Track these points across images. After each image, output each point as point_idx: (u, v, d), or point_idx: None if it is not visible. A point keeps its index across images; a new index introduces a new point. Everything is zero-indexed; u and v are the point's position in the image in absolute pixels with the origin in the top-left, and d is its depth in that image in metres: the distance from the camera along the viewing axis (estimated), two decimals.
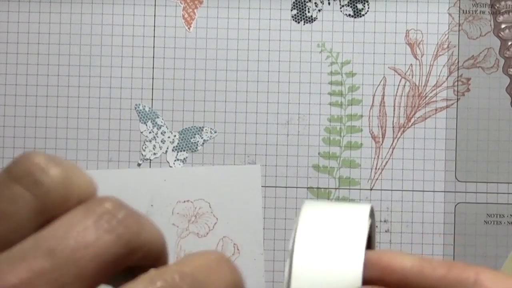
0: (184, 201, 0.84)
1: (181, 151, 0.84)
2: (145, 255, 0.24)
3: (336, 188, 0.84)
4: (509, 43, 0.84)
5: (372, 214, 0.30)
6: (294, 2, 0.85)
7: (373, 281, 0.28)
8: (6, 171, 0.23)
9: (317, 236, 0.28)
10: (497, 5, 0.84)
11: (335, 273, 0.27)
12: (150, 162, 0.84)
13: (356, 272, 0.27)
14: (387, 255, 0.29)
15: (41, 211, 0.23)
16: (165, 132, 0.85)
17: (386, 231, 0.84)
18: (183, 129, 0.85)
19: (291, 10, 0.85)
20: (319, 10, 0.85)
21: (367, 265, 0.28)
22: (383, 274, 0.28)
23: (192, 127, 0.85)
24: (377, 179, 0.84)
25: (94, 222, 0.23)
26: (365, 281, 0.28)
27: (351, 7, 0.85)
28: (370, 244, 0.31)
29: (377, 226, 0.82)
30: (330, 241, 0.28)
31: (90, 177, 0.24)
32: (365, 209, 0.29)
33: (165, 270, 0.23)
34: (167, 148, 0.84)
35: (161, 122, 0.85)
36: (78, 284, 0.22)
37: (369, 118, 0.84)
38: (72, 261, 0.22)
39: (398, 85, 0.84)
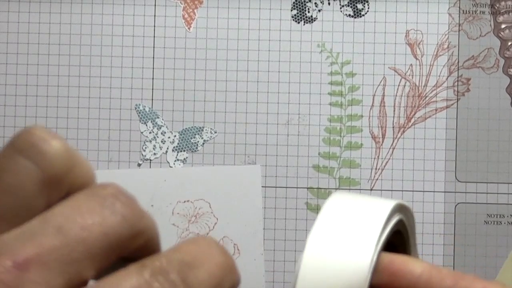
0: (184, 201, 0.84)
1: (181, 151, 0.84)
2: (145, 243, 0.24)
3: (336, 188, 0.84)
4: (509, 43, 0.84)
5: (403, 210, 0.30)
6: (294, 2, 0.85)
7: (381, 286, 0.28)
8: (9, 145, 0.23)
9: (332, 232, 0.28)
10: (497, 5, 0.84)
11: (341, 274, 0.27)
12: (150, 162, 0.84)
13: (362, 275, 0.27)
14: (399, 260, 0.29)
15: (46, 182, 0.23)
16: (165, 132, 0.85)
17: None
18: (183, 129, 0.85)
19: (291, 10, 0.85)
20: (319, 10, 0.85)
21: (379, 269, 0.28)
22: (391, 279, 0.28)
23: (192, 127, 0.85)
24: (377, 179, 0.84)
25: (99, 204, 0.23)
26: (373, 286, 0.28)
27: (351, 7, 0.85)
28: (402, 241, 0.30)
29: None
30: (342, 240, 0.28)
31: (88, 162, 0.25)
32: (387, 206, 0.29)
33: (155, 256, 0.23)
34: (167, 148, 0.84)
35: (161, 122, 0.85)
36: (86, 262, 0.22)
37: (369, 118, 0.84)
38: (81, 239, 0.22)
39: (398, 85, 0.84)
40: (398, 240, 0.31)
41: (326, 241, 0.28)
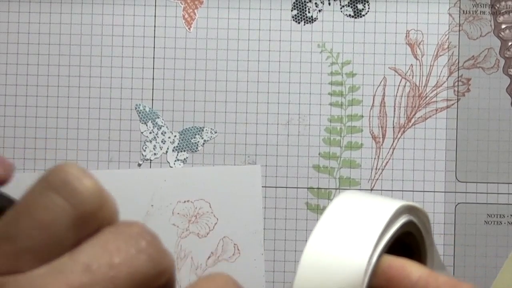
0: (185, 201, 0.84)
1: (181, 151, 0.84)
2: (167, 280, 0.24)
3: (336, 189, 0.84)
4: (510, 43, 0.84)
5: (413, 212, 0.30)
6: (294, 3, 0.85)
7: None
8: (42, 181, 0.24)
9: (332, 233, 0.28)
10: (498, 5, 0.84)
11: (339, 276, 0.27)
12: (150, 162, 0.84)
13: (358, 278, 0.27)
14: (397, 264, 0.28)
15: (78, 220, 0.23)
16: (165, 133, 0.85)
17: None
18: (183, 129, 0.85)
19: (292, 11, 0.85)
20: (319, 11, 0.85)
21: (377, 272, 0.28)
22: (388, 284, 0.28)
23: (192, 127, 0.85)
24: (377, 179, 0.84)
25: (125, 242, 0.23)
26: None
27: (351, 7, 0.85)
28: (416, 243, 0.30)
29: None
30: (342, 242, 0.28)
31: (114, 198, 0.25)
32: (391, 207, 0.29)
33: None
34: (168, 148, 0.84)
35: (162, 122, 0.85)
36: None
37: (369, 118, 0.84)
38: (109, 278, 0.23)
39: (399, 86, 0.84)
40: (413, 241, 0.31)
41: (325, 242, 0.28)
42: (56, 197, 0.23)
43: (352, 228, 0.28)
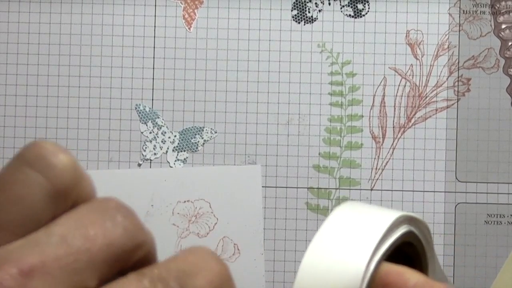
0: (184, 201, 0.84)
1: (181, 151, 0.84)
2: (145, 255, 0.25)
3: (336, 188, 0.84)
4: (510, 43, 0.84)
5: (414, 222, 0.30)
6: (294, 3, 0.85)
7: None
8: (18, 157, 0.24)
9: (332, 241, 0.28)
10: (498, 5, 0.84)
11: (336, 282, 0.27)
12: (150, 162, 0.84)
13: (355, 284, 0.27)
14: (395, 271, 0.29)
15: (54, 195, 0.23)
16: (165, 132, 0.85)
17: None
18: (183, 129, 0.85)
19: (292, 11, 0.85)
20: (319, 11, 0.85)
21: (375, 279, 0.28)
22: None
23: (192, 127, 0.85)
24: (377, 179, 0.84)
25: (101, 216, 0.24)
26: None
27: (351, 7, 0.85)
28: (417, 254, 0.31)
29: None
30: (340, 249, 0.28)
31: (90, 176, 0.25)
32: (390, 217, 0.29)
33: (153, 266, 0.24)
34: (168, 148, 0.84)
35: (162, 122, 0.85)
36: (89, 272, 0.23)
37: (369, 118, 0.84)
38: (84, 249, 0.23)
39: (399, 86, 0.84)
40: (414, 252, 0.31)
41: (325, 247, 0.28)
42: (31, 172, 0.23)
43: (352, 235, 0.28)
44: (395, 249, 0.29)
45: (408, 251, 0.31)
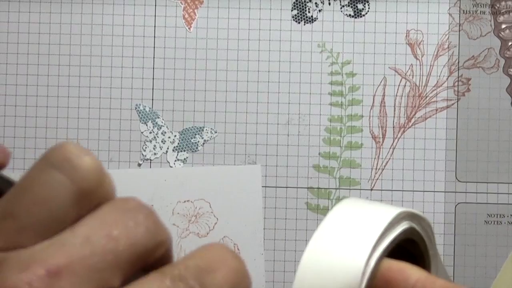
0: (185, 201, 0.84)
1: (181, 151, 0.84)
2: (164, 252, 0.25)
3: (336, 188, 0.84)
4: (510, 43, 0.84)
5: (416, 219, 0.30)
6: (294, 2, 0.85)
7: None
8: (43, 159, 0.24)
9: (332, 237, 0.28)
10: (498, 5, 0.84)
11: (336, 278, 0.27)
12: (150, 162, 0.84)
13: (355, 280, 0.27)
14: (397, 267, 0.29)
15: (78, 197, 0.24)
16: (165, 132, 0.85)
17: None
18: (183, 129, 0.85)
19: (292, 10, 0.85)
20: (319, 10, 0.85)
21: (377, 275, 0.28)
22: (387, 285, 0.28)
23: (192, 127, 0.85)
24: (377, 179, 0.84)
25: (123, 216, 0.24)
26: None
27: (351, 7, 0.85)
28: (420, 251, 0.31)
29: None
30: (341, 245, 0.28)
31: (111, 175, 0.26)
32: (390, 213, 0.29)
33: (173, 264, 0.24)
34: (168, 148, 0.84)
35: (162, 122, 0.85)
36: (113, 271, 0.23)
37: (369, 118, 0.84)
38: (108, 249, 0.23)
39: (399, 85, 0.84)
40: (415, 249, 0.31)
41: (325, 244, 0.28)
42: (56, 174, 0.24)
43: (352, 231, 0.28)
44: (397, 246, 0.29)
45: (410, 249, 0.31)
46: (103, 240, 0.23)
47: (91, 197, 0.24)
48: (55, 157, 0.24)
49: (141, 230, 0.24)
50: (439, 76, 0.84)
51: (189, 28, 0.85)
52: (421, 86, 0.84)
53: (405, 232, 0.30)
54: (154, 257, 0.25)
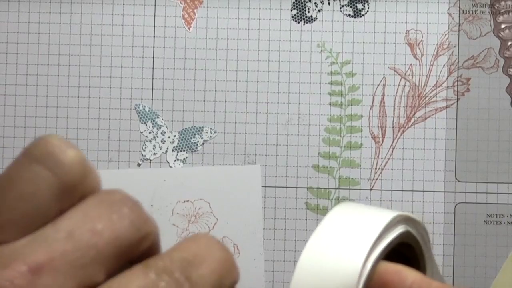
0: (184, 201, 0.84)
1: (181, 151, 0.84)
2: (150, 246, 0.25)
3: (336, 188, 0.84)
4: (509, 43, 0.84)
5: (411, 223, 0.30)
6: (294, 2, 0.85)
7: None
8: (25, 153, 0.24)
9: (329, 240, 0.29)
10: (497, 5, 0.84)
11: (333, 280, 0.27)
12: (150, 162, 0.84)
13: (352, 282, 0.27)
14: (393, 269, 0.29)
15: (62, 191, 0.23)
16: (165, 132, 0.85)
17: None
18: (183, 129, 0.85)
19: (291, 10, 0.85)
20: (319, 10, 0.85)
21: (373, 277, 0.28)
22: (383, 287, 0.28)
23: (192, 127, 0.85)
24: (377, 179, 0.84)
25: (107, 209, 0.24)
26: None
27: (351, 7, 0.85)
28: (415, 254, 0.31)
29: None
30: (337, 247, 0.28)
31: (96, 169, 0.25)
32: (386, 216, 0.29)
33: (158, 256, 0.24)
34: (167, 148, 0.84)
35: (161, 122, 0.85)
36: (97, 266, 0.23)
37: (369, 118, 0.84)
38: (92, 244, 0.23)
39: (398, 85, 0.84)
40: (411, 253, 0.31)
41: (322, 246, 0.28)
42: (39, 168, 0.23)
43: (349, 234, 0.29)
44: (393, 250, 0.29)
45: (406, 252, 0.31)
46: (87, 234, 0.23)
47: (75, 191, 0.24)
48: (37, 151, 0.23)
49: (125, 223, 0.24)
50: (439, 76, 0.84)
51: (188, 28, 0.85)
52: (421, 86, 0.84)
53: (401, 235, 0.30)
54: (139, 250, 0.24)
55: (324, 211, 0.84)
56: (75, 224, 0.23)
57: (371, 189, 0.84)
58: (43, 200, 0.23)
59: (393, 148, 0.84)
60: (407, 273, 0.29)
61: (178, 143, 0.85)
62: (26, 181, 0.23)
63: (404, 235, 0.30)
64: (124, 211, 0.24)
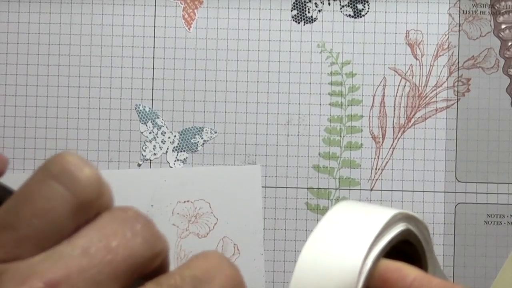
0: (184, 201, 0.84)
1: (181, 151, 0.84)
2: (162, 262, 0.25)
3: (336, 189, 0.84)
4: (509, 44, 0.84)
5: (412, 221, 0.30)
6: (294, 3, 0.85)
7: None
8: (42, 170, 0.24)
9: (329, 238, 0.29)
10: (497, 6, 0.84)
11: (333, 277, 0.27)
12: (150, 162, 0.84)
13: (352, 279, 0.27)
14: (393, 267, 0.29)
15: (78, 208, 0.24)
16: (165, 133, 0.85)
17: None
18: (183, 129, 0.85)
19: (291, 11, 0.85)
20: (319, 11, 0.85)
21: (374, 275, 0.28)
22: (384, 285, 0.29)
23: (192, 127, 0.85)
24: (377, 179, 0.84)
25: (121, 226, 0.24)
26: None
27: (351, 7, 0.85)
28: (417, 252, 0.31)
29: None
30: (337, 245, 0.28)
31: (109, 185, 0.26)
32: (386, 214, 0.29)
33: (169, 274, 0.24)
34: (167, 148, 0.84)
35: (161, 122, 0.85)
36: (111, 282, 0.23)
37: (369, 118, 0.84)
38: (106, 261, 0.23)
39: (398, 86, 0.84)
40: (412, 251, 0.31)
41: (322, 244, 0.28)
42: (56, 185, 0.23)
43: (349, 231, 0.29)
44: (394, 248, 0.29)
45: (407, 250, 0.31)
46: (102, 252, 0.23)
47: (91, 208, 0.24)
48: (55, 168, 0.24)
49: (139, 241, 0.24)
50: (439, 76, 0.84)
51: (188, 28, 0.85)
52: (421, 86, 0.84)
53: (401, 233, 0.30)
54: (151, 267, 0.24)
55: (325, 211, 0.84)
56: (90, 241, 0.23)
57: (371, 190, 0.84)
58: (59, 217, 0.23)
59: (393, 149, 0.84)
60: (408, 271, 0.29)
61: (178, 144, 0.85)
62: (43, 197, 0.23)
63: (405, 233, 0.30)
64: (137, 228, 0.24)
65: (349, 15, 0.85)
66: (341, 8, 0.85)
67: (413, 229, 0.31)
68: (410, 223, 0.30)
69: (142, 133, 0.85)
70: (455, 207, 0.84)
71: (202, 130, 0.85)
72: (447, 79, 0.84)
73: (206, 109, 0.85)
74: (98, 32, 0.85)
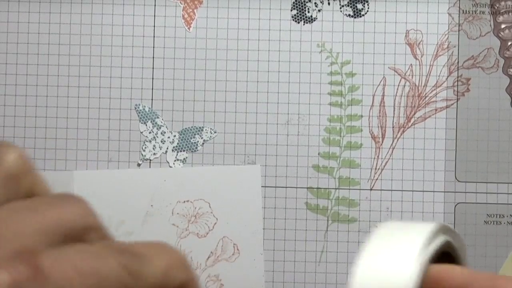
0: (184, 201, 0.84)
1: (181, 151, 0.85)
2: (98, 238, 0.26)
3: (336, 188, 0.84)
4: (509, 43, 0.84)
5: (450, 233, 0.32)
6: (294, 2, 0.85)
7: None
8: None
9: (380, 252, 0.31)
10: (497, 5, 0.84)
11: (391, 284, 0.29)
12: (150, 162, 0.84)
13: (409, 283, 0.29)
14: (444, 268, 0.31)
15: (6, 179, 0.26)
16: (165, 132, 0.85)
17: None
18: (183, 129, 0.85)
19: (291, 10, 0.85)
20: (319, 10, 0.85)
21: (427, 279, 0.30)
22: (437, 285, 0.30)
23: (192, 127, 0.85)
24: (377, 179, 0.84)
25: (60, 201, 0.26)
26: None
27: (351, 7, 0.85)
28: (454, 264, 0.32)
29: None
30: (388, 258, 0.30)
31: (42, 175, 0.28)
32: (429, 226, 0.32)
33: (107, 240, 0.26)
34: (167, 148, 0.85)
35: (161, 122, 0.85)
36: (37, 237, 0.24)
37: (369, 118, 0.84)
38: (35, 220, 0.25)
39: (398, 85, 0.84)
40: (450, 262, 0.33)
41: (374, 259, 0.30)
42: None
43: (398, 243, 0.31)
44: (434, 259, 0.31)
45: (445, 261, 0.33)
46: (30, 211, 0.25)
47: (18, 182, 0.26)
48: None
49: (69, 210, 0.25)
50: (439, 76, 0.84)
51: (188, 28, 0.85)
52: (421, 86, 0.84)
53: (444, 245, 0.32)
54: (83, 239, 0.25)
55: (324, 211, 0.84)
56: (24, 205, 0.25)
57: (371, 189, 0.84)
58: None
59: (393, 148, 0.84)
60: (459, 269, 0.31)
61: (178, 143, 0.85)
62: None
63: (446, 245, 0.32)
64: (72, 201, 0.26)
65: (349, 14, 0.85)
66: (340, 8, 0.85)
67: (451, 241, 0.32)
68: (449, 235, 0.32)
69: (141, 133, 0.85)
70: (455, 207, 0.84)
71: (202, 130, 0.85)
72: (446, 79, 0.84)
73: (205, 109, 0.85)
74: (97, 32, 0.85)
